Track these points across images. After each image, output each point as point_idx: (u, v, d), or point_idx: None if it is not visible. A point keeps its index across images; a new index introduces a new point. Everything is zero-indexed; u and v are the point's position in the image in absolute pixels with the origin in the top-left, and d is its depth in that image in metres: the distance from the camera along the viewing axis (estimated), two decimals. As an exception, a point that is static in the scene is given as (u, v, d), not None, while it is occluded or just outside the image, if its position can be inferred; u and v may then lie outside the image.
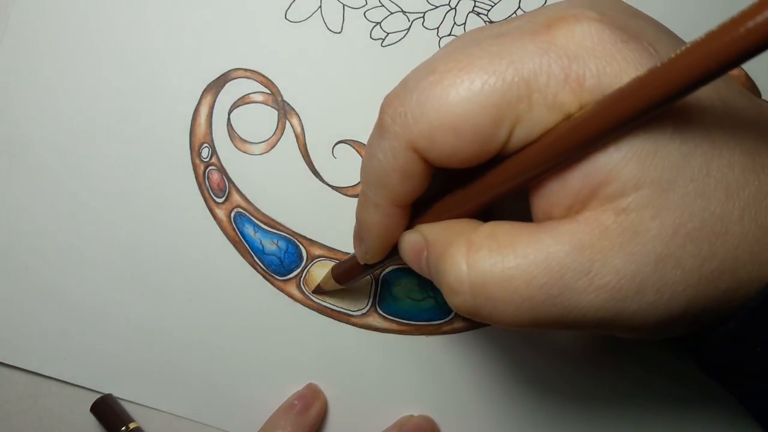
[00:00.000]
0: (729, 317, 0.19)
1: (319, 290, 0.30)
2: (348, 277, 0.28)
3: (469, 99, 0.18)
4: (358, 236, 0.24)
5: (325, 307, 0.31)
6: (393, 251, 0.23)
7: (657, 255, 0.17)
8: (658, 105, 0.15)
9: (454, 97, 0.18)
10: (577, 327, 0.18)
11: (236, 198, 0.31)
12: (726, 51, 0.13)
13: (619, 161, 0.17)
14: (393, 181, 0.20)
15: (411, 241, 0.22)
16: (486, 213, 0.21)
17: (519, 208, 0.20)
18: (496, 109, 0.17)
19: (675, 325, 0.18)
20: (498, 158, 0.19)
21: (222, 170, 0.31)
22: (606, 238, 0.17)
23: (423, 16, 0.30)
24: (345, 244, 0.31)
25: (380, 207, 0.21)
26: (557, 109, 0.17)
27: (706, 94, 0.18)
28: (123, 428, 0.30)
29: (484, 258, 0.18)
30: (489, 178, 0.20)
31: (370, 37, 0.31)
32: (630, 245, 0.17)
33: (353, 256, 0.26)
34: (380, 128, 0.20)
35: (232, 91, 0.31)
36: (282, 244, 0.31)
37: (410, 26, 0.30)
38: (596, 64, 0.17)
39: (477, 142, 0.18)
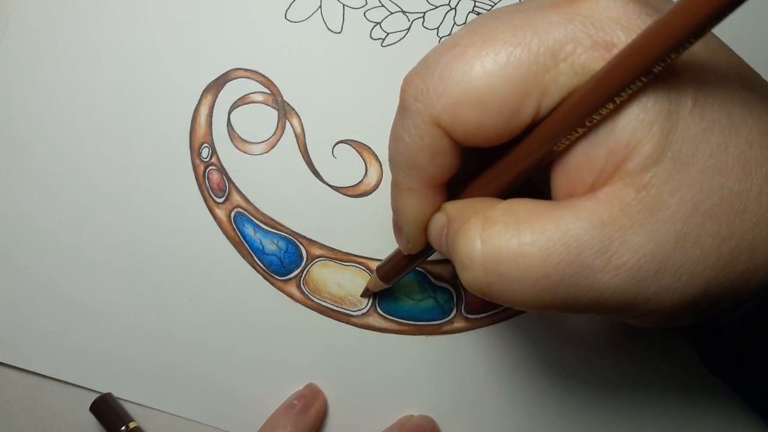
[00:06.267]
0: (737, 305, 0.19)
1: (366, 293, 0.30)
2: (394, 274, 0.27)
3: (494, 72, 0.17)
4: (397, 227, 0.23)
5: (325, 307, 0.31)
6: None
7: (677, 232, 0.17)
8: (678, 44, 0.15)
9: (478, 70, 0.17)
10: (592, 310, 0.18)
11: (236, 198, 0.31)
12: None
13: (644, 136, 0.17)
14: (422, 161, 0.20)
15: (436, 220, 0.21)
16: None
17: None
18: (522, 81, 0.17)
19: (690, 311, 0.18)
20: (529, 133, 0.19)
21: (222, 170, 0.31)
22: (626, 215, 0.17)
23: (423, 16, 0.30)
24: (345, 244, 0.31)
25: (413, 190, 0.21)
26: (586, 75, 0.17)
27: (724, 72, 0.18)
28: (123, 428, 0.30)
29: (499, 233, 0.18)
30: (515, 153, 0.19)
31: (370, 37, 0.31)
32: (650, 222, 0.17)
33: (396, 252, 0.26)
34: (402, 108, 0.19)
35: (232, 91, 0.31)
36: (282, 244, 0.31)
37: (410, 26, 0.30)
38: (624, 32, 0.17)
39: (503, 117, 0.18)
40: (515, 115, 0.18)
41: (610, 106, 0.17)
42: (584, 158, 0.18)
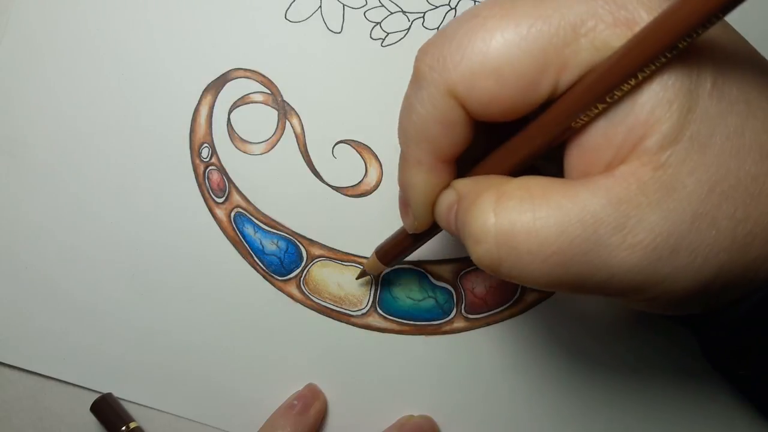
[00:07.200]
0: (748, 295, 0.19)
1: (363, 275, 0.30)
2: (395, 254, 0.27)
3: (514, 43, 0.17)
4: (403, 203, 0.23)
5: (325, 307, 0.31)
6: None
7: (693, 213, 0.17)
8: (705, 19, 0.15)
9: (498, 40, 0.17)
10: (603, 290, 0.18)
11: (236, 198, 0.31)
12: None
13: (663, 114, 0.17)
14: (434, 133, 0.19)
15: (445, 197, 0.21)
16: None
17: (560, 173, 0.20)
18: (542, 54, 0.17)
19: (700, 296, 0.18)
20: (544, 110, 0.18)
21: (222, 170, 0.31)
22: (643, 194, 0.17)
23: (423, 16, 0.30)
24: (345, 244, 0.31)
25: (423, 163, 0.20)
26: (606, 51, 0.17)
27: (742, 57, 0.18)
28: (123, 428, 0.30)
29: (514, 207, 0.18)
30: (531, 130, 0.19)
31: (370, 37, 0.31)
32: (666, 202, 0.17)
33: (399, 231, 0.26)
34: (416, 79, 0.19)
35: (232, 91, 0.31)
36: (282, 244, 0.31)
37: (410, 26, 0.30)
38: (646, 11, 0.17)
39: (520, 89, 0.18)
40: (533, 88, 0.18)
41: (633, 81, 0.16)
42: (603, 136, 0.17)
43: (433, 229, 0.23)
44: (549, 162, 0.21)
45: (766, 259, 0.18)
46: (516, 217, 0.18)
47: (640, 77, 0.16)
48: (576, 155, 0.18)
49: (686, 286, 0.18)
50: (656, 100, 0.17)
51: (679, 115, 0.16)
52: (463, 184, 0.21)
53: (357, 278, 0.30)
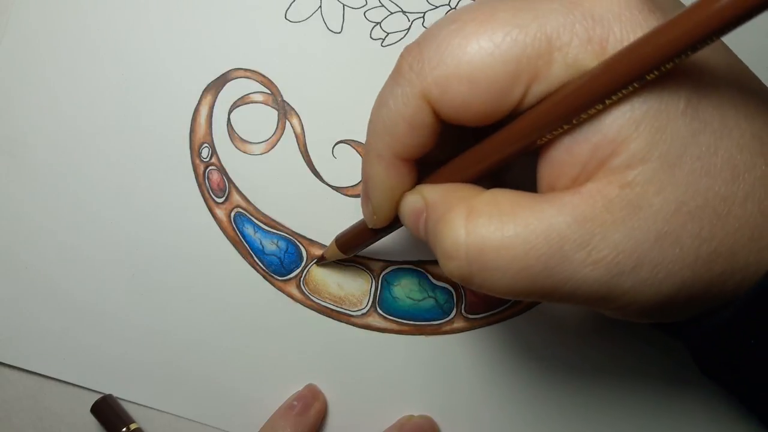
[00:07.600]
0: (724, 306, 0.19)
1: (321, 261, 0.30)
2: (354, 245, 0.27)
3: (488, 50, 0.18)
4: (365, 195, 0.23)
5: (325, 307, 0.31)
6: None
7: (657, 231, 0.17)
8: (672, 56, 0.15)
9: (473, 47, 0.18)
10: (570, 300, 0.18)
11: (236, 198, 0.31)
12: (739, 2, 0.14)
13: (630, 134, 0.17)
14: (399, 131, 0.20)
15: (410, 201, 0.22)
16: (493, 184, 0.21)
17: (525, 183, 0.20)
18: (515, 62, 0.17)
19: (666, 308, 0.18)
20: (510, 119, 0.19)
21: (222, 170, 0.31)
22: (608, 212, 0.17)
23: (423, 16, 0.30)
24: (345, 244, 0.31)
25: (383, 158, 0.21)
26: (576, 69, 0.17)
27: (722, 74, 0.18)
28: (123, 429, 0.30)
29: (483, 224, 0.18)
30: (499, 137, 0.19)
31: (370, 37, 0.31)
32: (631, 220, 0.17)
33: (360, 222, 0.26)
34: (396, 74, 0.20)
35: (232, 91, 0.31)
36: (282, 244, 0.31)
37: (410, 26, 0.30)
38: (621, 28, 0.17)
39: (491, 96, 0.18)
40: (503, 96, 0.18)
41: (600, 107, 0.17)
42: (567, 152, 0.18)
43: (393, 224, 0.24)
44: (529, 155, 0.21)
45: (731, 273, 0.18)
46: (486, 234, 0.18)
47: (607, 103, 0.17)
48: (544, 167, 0.19)
49: (649, 298, 0.18)
50: (623, 120, 0.17)
51: (647, 135, 0.17)
52: (432, 193, 0.21)
53: (317, 264, 0.30)
